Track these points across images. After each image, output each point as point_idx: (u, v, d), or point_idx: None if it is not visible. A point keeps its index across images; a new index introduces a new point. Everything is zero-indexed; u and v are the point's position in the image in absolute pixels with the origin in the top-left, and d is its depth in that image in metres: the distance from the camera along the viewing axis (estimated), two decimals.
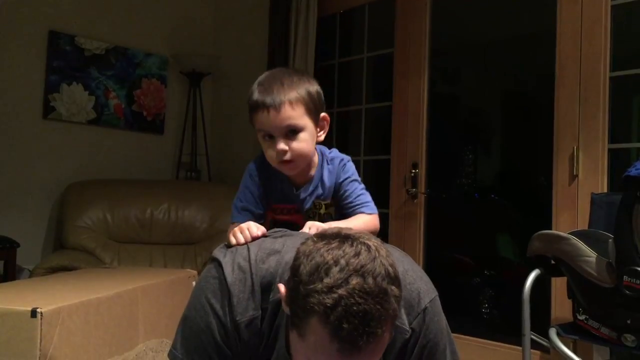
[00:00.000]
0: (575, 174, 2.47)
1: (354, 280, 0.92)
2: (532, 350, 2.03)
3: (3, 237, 3.09)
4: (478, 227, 3.22)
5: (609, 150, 2.40)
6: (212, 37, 4.22)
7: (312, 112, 1.38)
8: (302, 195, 1.45)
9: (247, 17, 4.06)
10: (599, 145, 2.41)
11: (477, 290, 3.20)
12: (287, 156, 1.36)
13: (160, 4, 4.00)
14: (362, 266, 0.93)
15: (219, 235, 3.42)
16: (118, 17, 3.81)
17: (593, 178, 2.42)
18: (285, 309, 1.02)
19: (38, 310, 1.44)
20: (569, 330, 1.96)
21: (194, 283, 2.20)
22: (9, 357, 1.43)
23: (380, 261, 0.96)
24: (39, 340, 1.43)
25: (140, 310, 1.89)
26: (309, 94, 1.37)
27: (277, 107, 1.32)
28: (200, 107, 3.99)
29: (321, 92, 1.42)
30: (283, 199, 1.46)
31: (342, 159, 1.49)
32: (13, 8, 3.37)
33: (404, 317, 1.14)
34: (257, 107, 1.34)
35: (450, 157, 3.34)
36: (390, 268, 0.96)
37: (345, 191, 1.46)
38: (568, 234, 1.91)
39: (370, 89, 3.47)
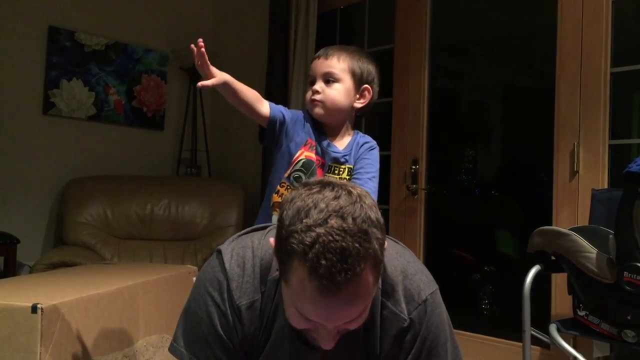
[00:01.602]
0: (575, 169, 2.47)
1: (333, 220, 0.94)
2: (532, 346, 2.03)
3: (3, 233, 3.09)
4: (478, 223, 3.22)
5: (610, 146, 2.40)
6: (212, 32, 4.21)
7: (356, 77, 1.59)
8: (332, 153, 1.59)
9: (247, 12, 4.05)
10: (600, 141, 2.41)
11: (477, 286, 3.20)
12: (318, 96, 1.56)
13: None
14: (341, 208, 0.95)
15: (219, 231, 3.42)
16: (118, 12, 3.80)
17: (593, 174, 2.42)
18: (276, 259, 1.04)
19: (38, 306, 1.44)
20: (569, 326, 1.96)
21: (194, 279, 2.20)
22: (9, 352, 1.43)
23: (361, 205, 0.97)
24: (39, 336, 1.43)
25: (141, 306, 1.89)
26: (359, 63, 1.60)
27: (326, 56, 1.59)
28: (201, 103, 3.99)
29: (373, 72, 1.63)
30: (320, 151, 1.60)
31: (373, 143, 1.66)
32: (13, 3, 3.37)
33: (403, 306, 1.15)
34: (314, 58, 1.63)
35: (451, 153, 3.33)
36: (372, 213, 0.98)
37: (360, 172, 1.59)
38: (568, 229, 1.91)
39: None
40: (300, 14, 3.42)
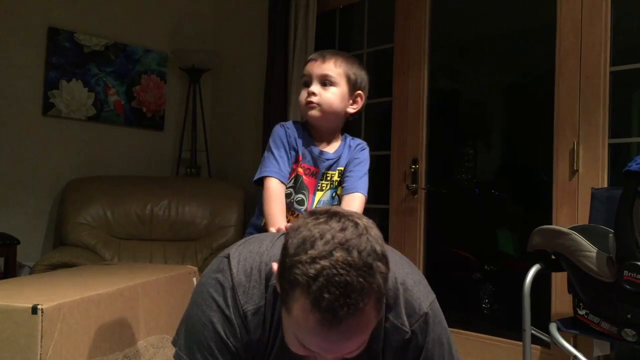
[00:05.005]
0: (575, 168, 2.47)
1: (338, 253, 0.93)
2: (532, 345, 2.04)
3: (3, 234, 3.09)
4: (478, 223, 3.22)
5: (610, 144, 2.40)
6: (212, 33, 4.21)
7: (350, 82, 1.62)
8: (325, 161, 1.63)
9: (246, 12, 4.05)
10: (599, 139, 2.40)
11: (477, 285, 3.20)
12: (315, 98, 1.57)
13: (159, 0, 4.00)
14: (347, 240, 0.94)
15: (219, 232, 3.42)
16: (117, 13, 3.80)
17: (593, 173, 2.42)
18: (277, 286, 1.03)
19: (39, 306, 1.44)
20: (569, 325, 1.96)
21: (194, 279, 2.20)
22: (10, 353, 1.43)
23: (367, 238, 0.96)
24: (39, 337, 1.43)
25: (141, 306, 1.89)
26: (354, 69, 1.62)
27: (324, 59, 1.59)
28: (200, 103, 3.99)
29: (365, 79, 1.67)
30: (310, 160, 1.64)
31: (364, 144, 1.73)
32: (12, 4, 3.37)
33: (405, 318, 1.15)
34: (310, 60, 1.63)
35: (451, 152, 3.34)
36: (377, 246, 0.97)
37: (352, 170, 1.65)
38: (568, 228, 1.91)
39: (370, 84, 3.45)
40: (300, 13, 3.42)
